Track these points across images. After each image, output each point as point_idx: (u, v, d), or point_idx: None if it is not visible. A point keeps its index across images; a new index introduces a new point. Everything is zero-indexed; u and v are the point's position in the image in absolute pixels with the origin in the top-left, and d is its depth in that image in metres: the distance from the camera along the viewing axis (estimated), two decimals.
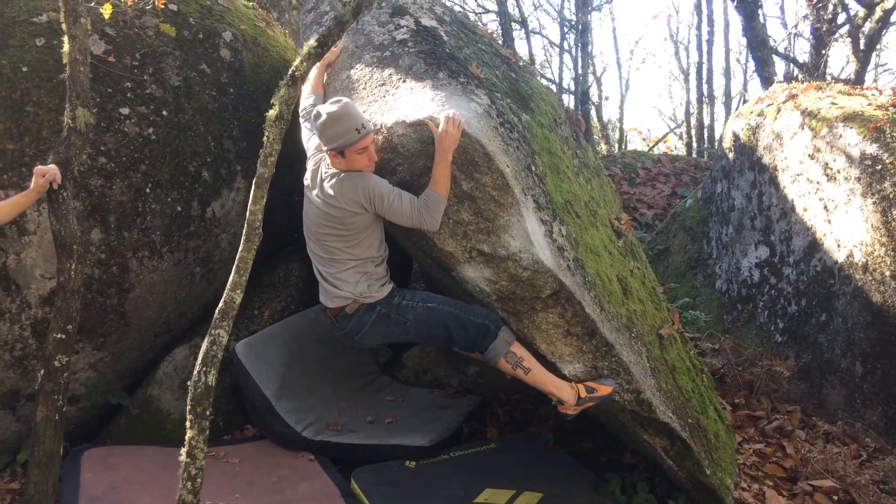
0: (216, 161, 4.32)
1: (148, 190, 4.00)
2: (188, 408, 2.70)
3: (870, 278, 4.74)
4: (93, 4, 3.82)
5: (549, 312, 3.34)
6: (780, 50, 10.72)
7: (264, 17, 5.19)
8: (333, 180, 3.29)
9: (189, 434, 2.68)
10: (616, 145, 16.86)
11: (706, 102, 14.33)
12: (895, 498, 4.11)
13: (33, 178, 3.16)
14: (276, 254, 4.99)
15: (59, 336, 3.23)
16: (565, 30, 14.65)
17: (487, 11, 15.51)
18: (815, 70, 9.07)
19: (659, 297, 4.25)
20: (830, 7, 8.95)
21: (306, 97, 3.73)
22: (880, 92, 5.55)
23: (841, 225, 5.02)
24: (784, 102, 5.89)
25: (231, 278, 2.84)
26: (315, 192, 3.40)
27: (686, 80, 15.88)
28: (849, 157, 4.98)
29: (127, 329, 4.12)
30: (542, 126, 3.78)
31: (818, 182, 5.26)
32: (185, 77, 4.25)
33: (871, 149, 4.85)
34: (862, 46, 8.59)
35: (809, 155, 5.36)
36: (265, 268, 4.84)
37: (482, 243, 3.26)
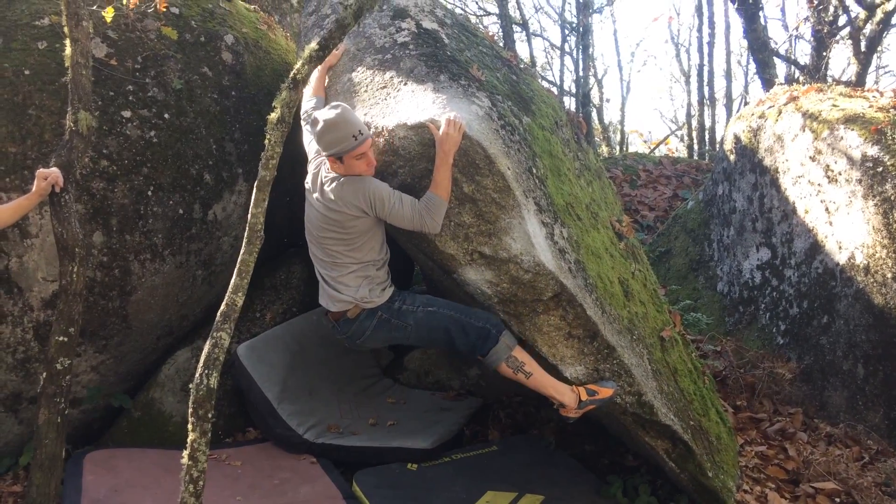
0: (218, 164, 4.33)
1: (150, 193, 4.01)
2: (190, 410, 2.70)
3: (871, 280, 4.74)
4: (95, 8, 3.83)
5: (550, 315, 3.34)
6: (781, 52, 10.73)
7: (266, 20, 5.20)
8: (334, 184, 3.29)
9: (191, 437, 2.69)
10: (617, 147, 16.87)
11: (707, 104, 14.34)
12: None
13: (35, 182, 3.17)
14: (277, 256, 4.99)
15: (61, 339, 3.24)
16: (566, 32, 14.66)
17: (488, 14, 15.53)
18: (816, 72, 9.08)
19: (660, 299, 4.25)
20: (831, 9, 8.96)
21: (308, 100, 3.74)
22: (881, 94, 5.56)
23: (842, 227, 5.02)
24: (785, 104, 5.89)
25: (233, 281, 2.85)
26: (316, 195, 3.40)
27: (687, 83, 15.90)
28: (850, 159, 4.98)
29: (129, 332, 4.13)
30: (543, 128, 3.78)
31: (819, 184, 5.27)
32: (186, 80, 4.26)
33: (873, 151, 4.85)
34: (863, 48, 8.60)
35: (811, 157, 5.36)
36: (267, 270, 4.84)
37: (483, 245, 3.26)
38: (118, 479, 3.61)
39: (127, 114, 4.00)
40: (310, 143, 3.63)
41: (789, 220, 5.61)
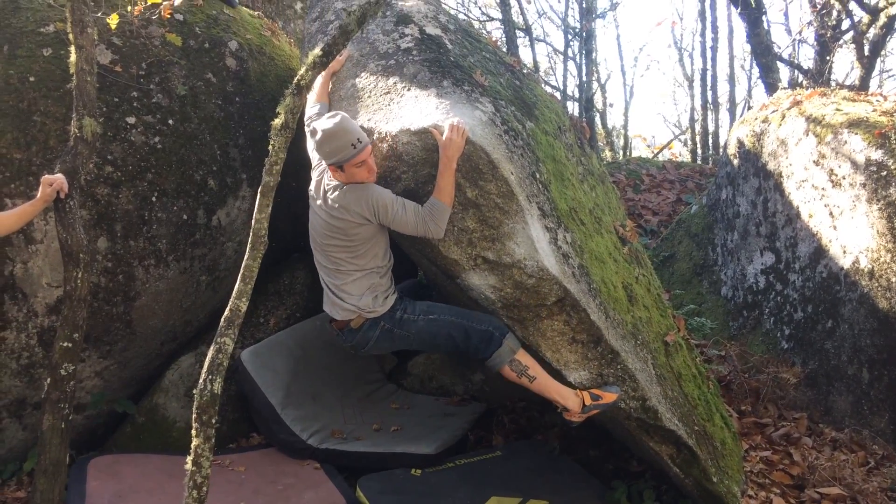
0: (222, 170, 4.34)
1: (154, 198, 4.02)
2: (194, 416, 2.70)
3: (876, 284, 4.73)
4: (99, 15, 3.84)
5: (554, 320, 3.34)
6: (785, 56, 10.73)
7: (269, 26, 5.22)
8: (337, 193, 3.30)
9: (195, 442, 2.69)
10: (621, 152, 16.86)
11: (711, 109, 14.32)
12: None
13: (40, 188, 3.18)
14: (281, 262, 5.00)
15: (65, 344, 3.24)
16: (569, 37, 14.68)
17: (492, 19, 15.57)
18: (819, 76, 9.07)
19: (664, 303, 4.24)
20: (834, 13, 8.96)
21: (311, 106, 3.74)
22: (885, 98, 5.55)
23: (846, 231, 5.01)
24: (788, 109, 5.88)
25: (236, 286, 2.85)
26: (319, 203, 3.41)
27: (690, 87, 15.89)
28: (854, 164, 4.98)
29: (133, 337, 4.13)
30: (546, 133, 3.78)
31: (823, 188, 5.26)
32: (190, 86, 4.28)
33: (877, 155, 4.84)
34: (866, 52, 8.59)
35: (814, 161, 5.36)
36: (270, 276, 4.84)
37: (487, 251, 3.26)
38: (122, 484, 3.61)
39: (131, 120, 4.01)
40: (313, 150, 3.64)
41: (793, 224, 5.60)
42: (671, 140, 17.47)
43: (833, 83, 9.51)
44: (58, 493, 3.26)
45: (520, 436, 4.59)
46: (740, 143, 6.52)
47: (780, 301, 5.62)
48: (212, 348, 2.76)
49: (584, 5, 13.66)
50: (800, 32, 11.43)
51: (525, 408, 4.76)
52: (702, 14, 13.98)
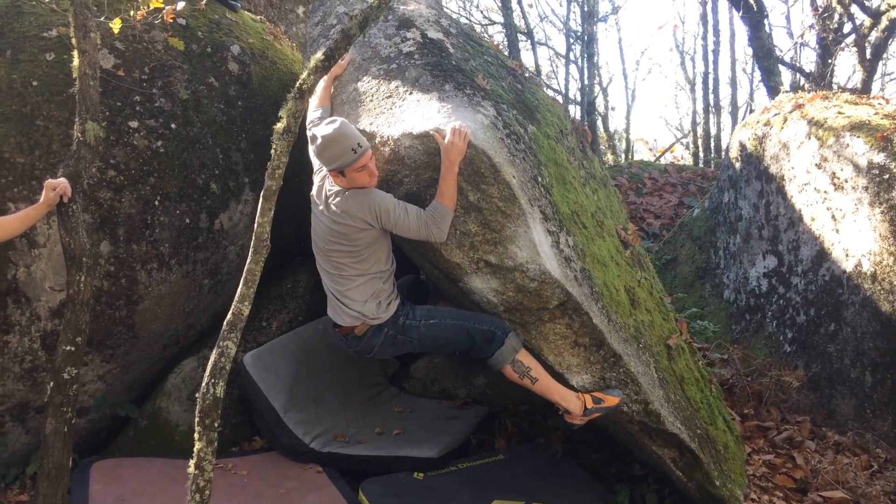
0: (224, 173, 4.34)
1: (157, 202, 4.03)
2: (196, 419, 2.71)
3: (878, 288, 4.73)
4: (102, 19, 3.85)
5: (556, 323, 3.34)
6: (787, 59, 10.73)
7: (272, 30, 5.23)
8: (338, 198, 3.31)
9: (197, 446, 2.69)
10: (622, 155, 16.86)
11: (713, 112, 14.33)
12: None
13: (44, 192, 3.18)
14: (283, 265, 5.00)
15: (68, 348, 3.24)
16: (571, 41, 14.71)
17: (493, 23, 15.59)
18: (821, 79, 9.07)
19: (667, 307, 4.24)
20: (836, 17, 8.96)
21: (314, 110, 3.75)
22: (887, 101, 5.55)
23: (849, 234, 5.00)
24: (790, 112, 5.88)
25: (239, 290, 2.85)
26: (321, 208, 3.42)
27: (692, 90, 15.89)
28: (856, 167, 4.98)
29: (135, 341, 4.14)
30: (548, 137, 3.79)
31: (825, 191, 5.26)
32: (193, 90, 4.28)
33: (879, 158, 4.84)
34: (868, 56, 8.59)
35: (816, 164, 5.36)
36: (273, 279, 4.85)
37: (489, 254, 3.26)
38: (125, 488, 3.61)
39: (134, 124, 4.02)
40: (314, 156, 3.65)
41: (795, 227, 5.60)
42: (673, 143, 17.47)
43: (835, 86, 9.51)
44: (60, 496, 3.26)
45: (522, 439, 4.58)
46: (742, 147, 6.53)
47: (783, 304, 5.62)
48: (214, 352, 2.76)
49: (585, 9, 13.69)
50: (801, 36, 11.44)
51: (527, 411, 4.75)
52: (703, 17, 14.00)
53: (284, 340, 4.56)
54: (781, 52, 10.23)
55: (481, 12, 16.67)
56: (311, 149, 3.37)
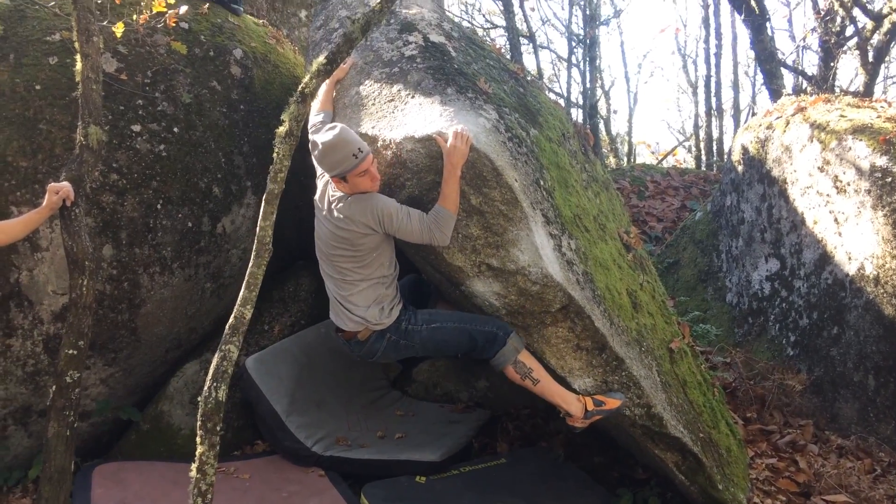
0: (226, 177, 4.35)
1: (159, 206, 4.03)
2: (199, 423, 2.71)
3: (881, 291, 4.72)
4: (105, 23, 3.86)
5: (558, 327, 3.34)
6: (789, 63, 10.73)
7: (274, 34, 5.24)
8: (341, 204, 3.32)
9: (199, 449, 2.69)
10: (625, 159, 16.86)
11: (715, 115, 14.32)
12: None
13: (46, 196, 3.19)
14: (285, 269, 5.00)
15: (70, 352, 3.25)
16: (573, 44, 14.70)
17: (495, 27, 15.60)
18: (823, 83, 9.06)
19: (669, 310, 4.24)
20: (839, 20, 8.96)
21: (316, 114, 3.75)
22: (889, 104, 5.55)
23: (851, 237, 5.00)
24: (793, 115, 5.88)
25: (241, 294, 2.85)
26: (325, 213, 3.43)
27: (694, 94, 15.88)
28: (858, 170, 4.97)
29: (138, 345, 4.14)
30: (550, 140, 3.79)
31: (828, 195, 5.25)
32: (195, 94, 4.29)
33: (881, 161, 4.84)
34: (870, 59, 8.58)
35: (819, 167, 5.35)
36: (275, 283, 4.85)
37: (491, 258, 3.26)
38: (127, 492, 3.61)
39: (137, 128, 4.03)
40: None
41: (798, 230, 5.59)
42: (675, 146, 17.46)
43: (837, 89, 9.49)
44: (63, 500, 3.26)
45: (524, 443, 4.57)
46: (744, 150, 6.52)
47: (786, 307, 5.61)
48: (216, 355, 2.76)
49: (587, 12, 13.68)
50: (804, 39, 11.43)
51: (529, 415, 4.75)
52: (705, 21, 14.00)
53: (286, 344, 4.56)
54: (783, 55, 10.22)
55: (483, 16, 16.71)
56: (313, 156, 3.38)
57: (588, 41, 13.61)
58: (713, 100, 14.18)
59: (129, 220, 3.95)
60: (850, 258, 5.00)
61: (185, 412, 4.25)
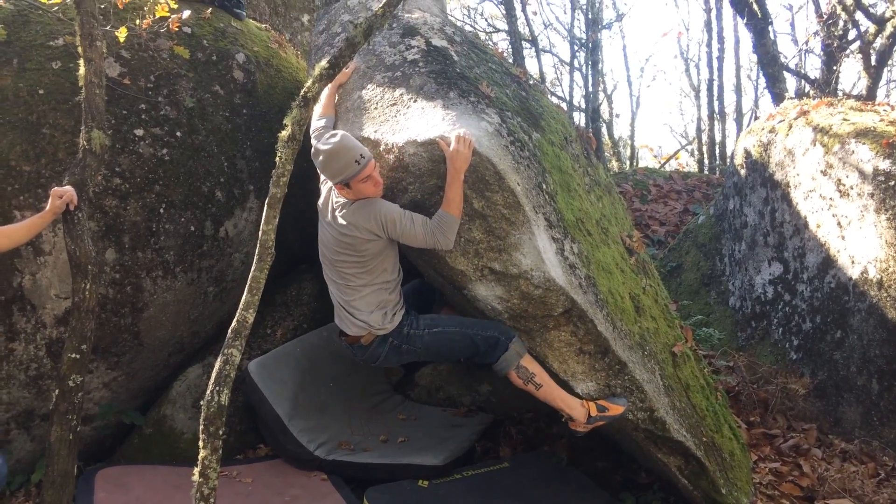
0: (229, 181, 4.36)
1: (162, 210, 4.04)
2: (201, 427, 2.71)
3: (885, 295, 4.71)
4: (108, 28, 3.88)
5: (561, 331, 3.34)
6: (791, 66, 10.72)
7: (277, 38, 5.25)
8: (345, 210, 3.33)
9: (202, 453, 2.69)
10: (627, 162, 16.85)
11: (717, 119, 14.31)
12: None
13: (50, 200, 3.19)
14: (288, 273, 5.01)
15: (73, 356, 3.25)
16: (575, 48, 14.72)
17: (498, 31, 15.62)
18: (826, 86, 9.06)
19: (672, 314, 4.23)
20: (841, 23, 8.95)
21: (318, 118, 3.76)
22: (892, 108, 5.54)
23: (855, 241, 4.99)
24: (795, 119, 5.88)
25: (244, 298, 2.86)
26: (328, 219, 3.44)
27: (697, 97, 15.87)
28: (861, 173, 4.97)
29: (141, 348, 4.14)
30: (552, 144, 3.79)
31: (831, 198, 5.24)
32: (198, 98, 4.30)
33: (884, 164, 4.83)
34: (873, 62, 8.58)
35: (822, 171, 5.35)
36: (278, 287, 4.85)
37: (493, 261, 3.26)
38: (129, 496, 3.61)
39: (139, 132, 4.04)
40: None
41: (801, 234, 5.58)
42: (678, 150, 17.45)
43: (840, 93, 9.50)
44: None
45: (527, 447, 4.57)
46: (747, 154, 6.52)
47: (789, 311, 5.60)
48: (219, 359, 2.76)
49: (590, 16, 13.71)
50: (806, 42, 11.43)
51: (532, 419, 4.74)
52: (708, 25, 14.00)
53: (289, 348, 4.56)
54: (786, 58, 10.22)
55: (486, 20, 16.73)
56: (315, 164, 3.39)
57: (590, 45, 13.63)
58: (716, 103, 14.18)
59: (132, 224, 3.95)
60: (853, 262, 4.99)
61: (188, 416, 4.25)
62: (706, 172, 13.26)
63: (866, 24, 8.65)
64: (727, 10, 13.33)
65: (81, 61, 3.45)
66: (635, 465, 4.35)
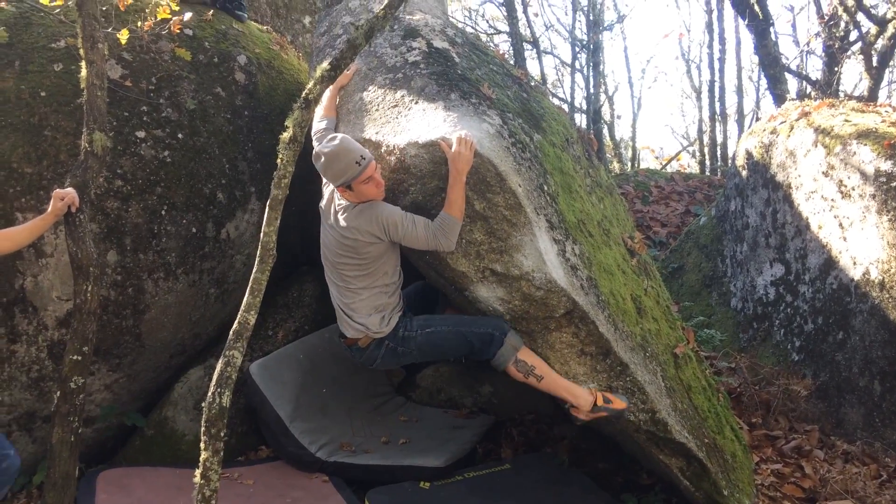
0: (231, 183, 4.36)
1: (163, 212, 4.04)
2: (202, 429, 2.71)
3: (887, 296, 4.70)
4: (110, 30, 3.88)
5: (562, 332, 3.34)
6: (793, 67, 10.72)
7: (278, 40, 5.25)
8: (347, 213, 3.34)
9: (203, 455, 2.69)
10: (629, 164, 16.85)
11: (719, 120, 14.31)
12: None
13: (52, 202, 3.19)
14: (289, 274, 5.01)
15: (75, 358, 3.25)
16: (577, 49, 14.72)
17: (499, 32, 15.63)
18: (827, 87, 9.05)
19: (673, 315, 4.23)
20: (842, 24, 8.95)
21: (319, 120, 3.76)
22: (894, 109, 5.54)
23: (856, 242, 4.99)
24: (797, 120, 5.88)
25: (245, 299, 2.86)
26: (331, 222, 3.45)
27: (698, 99, 15.87)
28: (863, 175, 4.96)
29: (142, 350, 4.14)
30: (554, 145, 3.79)
31: (832, 199, 5.24)
32: (200, 100, 4.30)
33: (886, 166, 4.83)
34: (874, 63, 8.58)
35: (823, 172, 5.34)
36: (279, 288, 4.85)
37: (495, 263, 3.26)
38: (131, 497, 3.61)
39: (141, 134, 4.04)
40: None
41: (803, 235, 5.58)
42: (679, 151, 17.44)
43: (841, 94, 9.49)
44: None
45: (529, 448, 4.56)
46: (749, 155, 6.52)
47: (791, 313, 5.59)
48: (220, 361, 2.76)
49: (591, 18, 13.72)
50: (808, 43, 11.44)
51: (534, 420, 4.74)
52: (709, 26, 14.00)
53: (290, 350, 4.56)
54: (787, 59, 10.22)
55: (487, 21, 16.74)
56: (317, 167, 3.40)
57: (591, 46, 13.65)
58: (717, 104, 14.19)
59: (134, 226, 3.95)
60: (855, 263, 4.99)
61: (189, 418, 4.25)
62: (707, 174, 13.26)
63: (868, 26, 8.65)
64: (728, 12, 13.36)
65: (83, 63, 3.45)
66: (637, 466, 4.34)
